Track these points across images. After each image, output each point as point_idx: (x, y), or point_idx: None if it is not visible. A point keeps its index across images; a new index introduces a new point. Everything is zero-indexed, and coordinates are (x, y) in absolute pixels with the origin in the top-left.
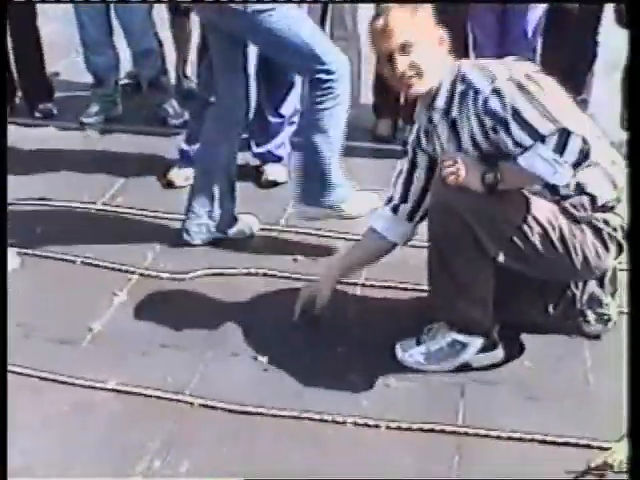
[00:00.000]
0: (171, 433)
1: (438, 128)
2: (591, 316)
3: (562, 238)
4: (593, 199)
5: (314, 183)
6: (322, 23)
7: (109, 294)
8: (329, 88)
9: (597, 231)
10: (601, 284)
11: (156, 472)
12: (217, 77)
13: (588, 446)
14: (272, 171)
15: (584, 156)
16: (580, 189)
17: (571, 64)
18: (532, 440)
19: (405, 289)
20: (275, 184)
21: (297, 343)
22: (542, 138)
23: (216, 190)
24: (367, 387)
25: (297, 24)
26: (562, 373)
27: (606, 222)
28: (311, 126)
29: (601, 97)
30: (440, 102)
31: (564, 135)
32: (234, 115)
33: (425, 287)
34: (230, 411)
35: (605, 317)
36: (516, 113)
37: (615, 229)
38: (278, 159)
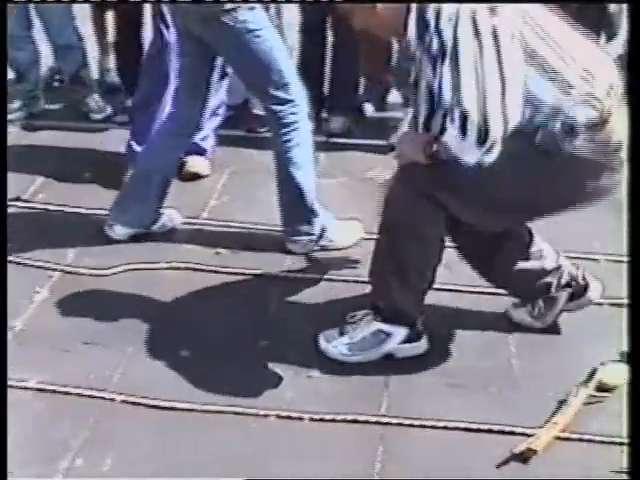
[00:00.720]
0: (93, 430)
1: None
2: (538, 310)
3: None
4: (571, 127)
5: (300, 217)
6: None
7: (30, 292)
8: (293, 123)
9: (577, 161)
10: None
11: (79, 470)
12: (182, 85)
13: (512, 433)
14: (194, 163)
15: (484, 137)
16: (556, 115)
17: None
18: (455, 428)
19: (330, 280)
20: (197, 176)
21: (219, 337)
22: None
23: (152, 190)
24: (290, 379)
25: (277, 50)
26: (486, 360)
27: (592, 142)
28: (288, 164)
29: None
30: (412, 48)
31: (462, 116)
32: (190, 125)
33: (347, 278)
34: (152, 407)
35: (544, 318)
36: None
37: (607, 150)
38: (202, 151)
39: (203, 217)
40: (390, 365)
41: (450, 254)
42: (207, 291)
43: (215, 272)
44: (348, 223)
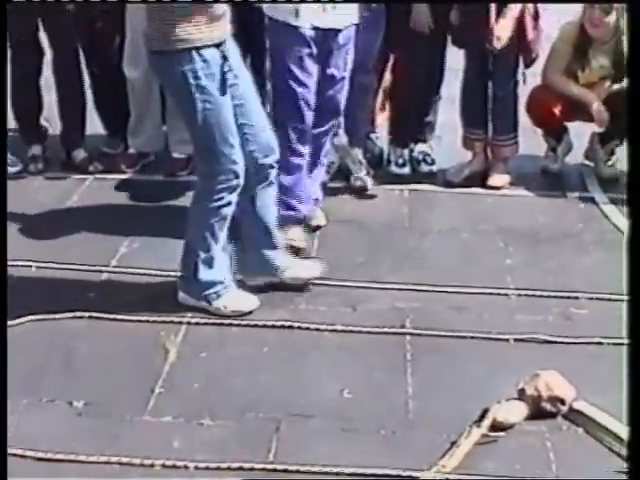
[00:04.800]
0: None
1: None
2: None
3: None
4: None
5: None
6: None
7: None
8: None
9: None
10: None
11: None
12: None
13: (399, 476)
14: (315, 215)
15: None
16: None
17: (418, 87)
18: (341, 473)
19: (222, 324)
20: (318, 228)
21: (114, 386)
22: None
23: None
24: (181, 427)
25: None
26: (382, 401)
27: None
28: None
29: (447, 120)
30: None
31: None
32: None
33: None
34: (39, 459)
35: None
36: None
37: None
38: (316, 202)
39: (112, 265)
40: (283, 409)
41: (355, 294)
42: (107, 340)
43: (120, 320)
44: (308, 262)
